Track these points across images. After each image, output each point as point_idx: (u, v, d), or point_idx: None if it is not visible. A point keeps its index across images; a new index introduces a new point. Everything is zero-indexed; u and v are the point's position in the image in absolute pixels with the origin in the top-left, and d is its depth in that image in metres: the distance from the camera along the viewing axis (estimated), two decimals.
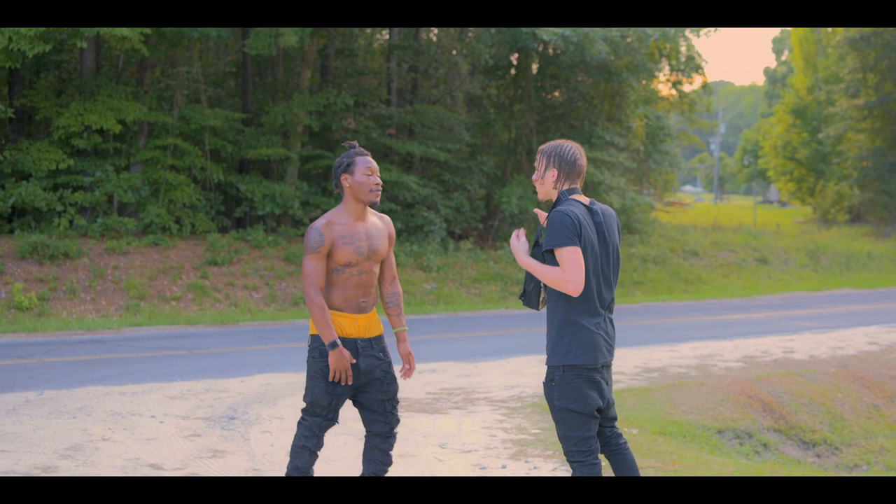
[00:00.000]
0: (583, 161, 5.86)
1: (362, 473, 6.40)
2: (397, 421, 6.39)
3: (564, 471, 8.22)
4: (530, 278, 5.87)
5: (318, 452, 6.31)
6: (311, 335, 6.23)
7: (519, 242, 5.81)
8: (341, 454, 8.69)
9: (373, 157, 6.54)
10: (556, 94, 33.12)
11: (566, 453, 5.73)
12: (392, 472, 6.44)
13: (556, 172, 5.80)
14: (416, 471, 8.18)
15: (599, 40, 26.89)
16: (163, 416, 10.11)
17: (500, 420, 10.51)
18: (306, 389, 6.27)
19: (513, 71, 32.51)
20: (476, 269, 26.83)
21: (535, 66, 31.76)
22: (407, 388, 12.14)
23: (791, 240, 39.18)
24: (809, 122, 59.52)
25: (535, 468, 8.40)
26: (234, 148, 26.11)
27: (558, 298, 5.69)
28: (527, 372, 13.62)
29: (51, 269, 21.12)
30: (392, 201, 27.56)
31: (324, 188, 27.43)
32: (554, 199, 5.84)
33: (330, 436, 9.38)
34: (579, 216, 5.62)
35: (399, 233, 27.51)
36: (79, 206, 23.39)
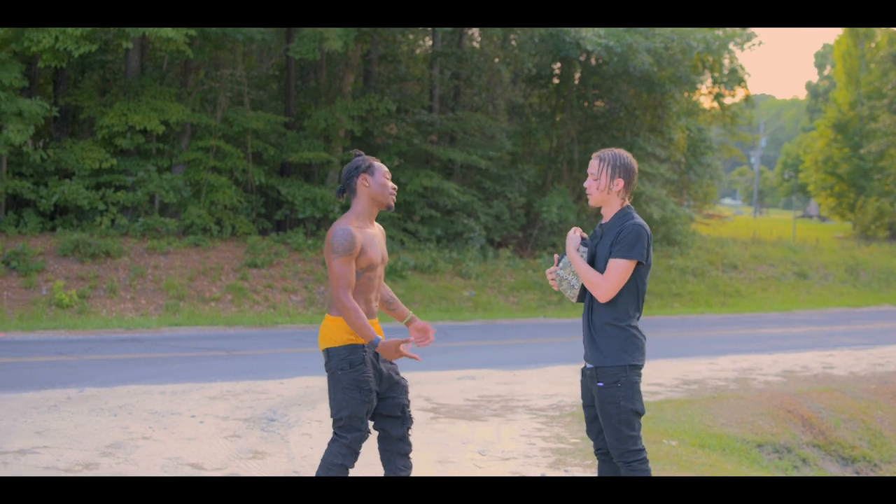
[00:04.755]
0: None
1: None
2: (412, 422, 6.31)
3: None
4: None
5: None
6: (331, 349, 6.10)
7: (574, 235, 5.88)
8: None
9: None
10: (599, 103, 33.06)
11: (624, 454, 5.72)
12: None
13: (622, 182, 5.83)
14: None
15: (643, 51, 26.84)
16: (203, 416, 10.15)
17: (539, 428, 10.48)
18: (337, 405, 6.01)
19: (555, 80, 32.47)
20: (515, 277, 26.80)
21: (577, 76, 31.72)
22: (446, 395, 12.15)
23: (831, 255, 38.87)
24: (851, 138, 59.01)
25: None
26: (276, 151, 26.20)
27: (612, 300, 5.71)
28: (566, 381, 13.57)
29: (92, 268, 21.29)
30: (432, 207, 27.58)
31: None
32: (612, 207, 5.87)
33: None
34: (649, 232, 5.75)
35: (438, 239, 27.55)
36: (121, 206, 23.55)
